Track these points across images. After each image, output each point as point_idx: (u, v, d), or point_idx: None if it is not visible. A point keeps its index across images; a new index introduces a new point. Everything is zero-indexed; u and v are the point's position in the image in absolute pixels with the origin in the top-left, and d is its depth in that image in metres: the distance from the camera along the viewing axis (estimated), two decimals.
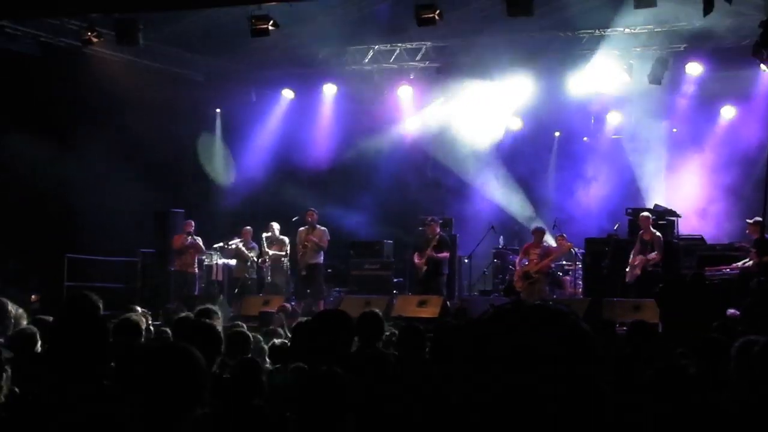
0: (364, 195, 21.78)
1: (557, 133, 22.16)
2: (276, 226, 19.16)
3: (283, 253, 18.88)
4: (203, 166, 21.57)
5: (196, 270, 19.15)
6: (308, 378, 4.99)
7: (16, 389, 5.12)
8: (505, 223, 21.40)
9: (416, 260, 18.12)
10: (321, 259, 18.78)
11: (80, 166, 19.14)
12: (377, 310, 7.61)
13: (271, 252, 19.00)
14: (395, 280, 19.68)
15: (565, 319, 1.99)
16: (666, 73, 19.19)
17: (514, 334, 1.96)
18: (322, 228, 18.72)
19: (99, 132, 19.18)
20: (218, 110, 22.63)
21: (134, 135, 19.56)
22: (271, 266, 19.08)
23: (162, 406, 3.66)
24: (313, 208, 18.83)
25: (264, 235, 19.08)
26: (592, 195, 21.11)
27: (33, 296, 16.76)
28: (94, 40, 18.26)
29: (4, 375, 4.89)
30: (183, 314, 8.54)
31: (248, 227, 19.48)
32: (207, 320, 6.90)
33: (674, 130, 21.14)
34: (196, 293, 18.82)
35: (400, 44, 20.67)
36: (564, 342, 1.96)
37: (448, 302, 16.92)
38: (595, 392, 1.95)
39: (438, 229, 18.24)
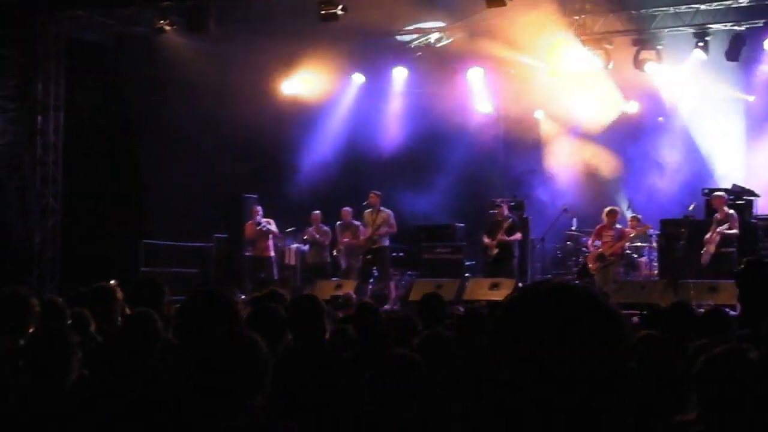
0: (436, 178, 21.69)
1: (631, 107, 21.47)
2: (348, 210, 19.12)
3: (357, 240, 18.88)
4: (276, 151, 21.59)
5: (272, 254, 19.15)
6: (383, 361, 4.98)
7: (85, 372, 5.24)
8: (578, 205, 20.81)
9: (487, 243, 18.07)
10: (387, 242, 18.70)
11: (154, 153, 19.48)
12: (438, 293, 7.58)
13: (344, 239, 19.02)
14: (467, 263, 19.44)
15: (590, 299, 1.93)
16: (743, 49, 18.98)
17: (535, 314, 1.91)
18: (387, 210, 18.64)
19: (172, 119, 19.46)
20: (288, 95, 22.47)
21: (206, 121, 19.80)
22: (346, 251, 19.08)
23: (223, 394, 3.65)
24: (376, 191, 18.71)
25: (338, 223, 19.10)
26: (668, 175, 20.75)
27: (112, 282, 17.06)
28: (167, 28, 18.55)
29: (74, 357, 4.98)
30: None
31: (317, 212, 19.54)
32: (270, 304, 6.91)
33: (751, 98, 20.67)
34: (275, 278, 18.84)
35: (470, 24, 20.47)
36: (585, 324, 1.89)
37: (520, 285, 16.45)
38: (620, 381, 1.89)
39: (507, 212, 18.22)
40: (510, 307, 1.95)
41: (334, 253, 19.15)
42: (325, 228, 19.35)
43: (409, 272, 19.99)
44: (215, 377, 3.66)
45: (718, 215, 16.65)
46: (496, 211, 18.33)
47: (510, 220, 17.99)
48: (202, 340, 3.80)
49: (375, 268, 18.53)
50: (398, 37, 21.64)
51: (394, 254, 19.40)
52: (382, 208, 18.57)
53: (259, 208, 19.06)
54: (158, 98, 19.30)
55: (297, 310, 6.19)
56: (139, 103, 19.48)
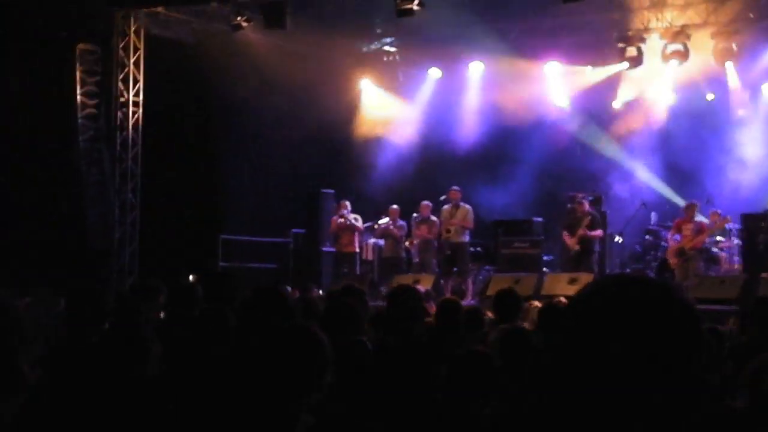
0: (512, 173, 21.48)
1: (709, 97, 21.02)
2: (426, 204, 19.04)
3: (432, 235, 18.85)
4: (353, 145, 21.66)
5: (357, 249, 19.33)
6: (458, 357, 4.97)
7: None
8: (657, 200, 20.71)
9: (567, 240, 17.88)
10: (467, 237, 18.66)
11: (231, 148, 19.65)
12: (513, 288, 7.59)
13: (420, 232, 18.95)
14: (545, 257, 19.31)
15: (663, 292, 1.91)
16: None
17: (608, 305, 1.89)
18: (467, 207, 18.56)
19: (249, 115, 19.63)
20: (365, 89, 22.65)
21: (283, 117, 19.86)
22: (420, 246, 19.03)
23: (279, 389, 3.62)
24: (456, 187, 18.64)
25: (414, 215, 19.04)
26: (750, 169, 20.17)
27: (191, 276, 17.00)
28: (244, 24, 18.59)
29: (152, 351, 4.98)
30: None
31: (395, 206, 19.46)
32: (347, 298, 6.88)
33: None
34: (358, 273, 18.99)
35: (547, 19, 20.20)
36: (657, 316, 1.88)
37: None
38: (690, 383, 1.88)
39: (587, 207, 17.95)
40: (584, 298, 1.94)
41: (407, 245, 19.16)
42: (401, 222, 19.33)
43: (487, 267, 19.95)
44: (266, 371, 3.64)
45: None
46: (575, 206, 18.12)
47: (590, 216, 17.79)
48: (255, 335, 3.92)
49: (455, 261, 18.52)
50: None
51: (472, 249, 19.34)
52: (462, 203, 18.55)
53: (347, 202, 19.16)
54: (236, 95, 19.38)
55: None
56: (217, 99, 19.58)
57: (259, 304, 4.81)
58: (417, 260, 19.07)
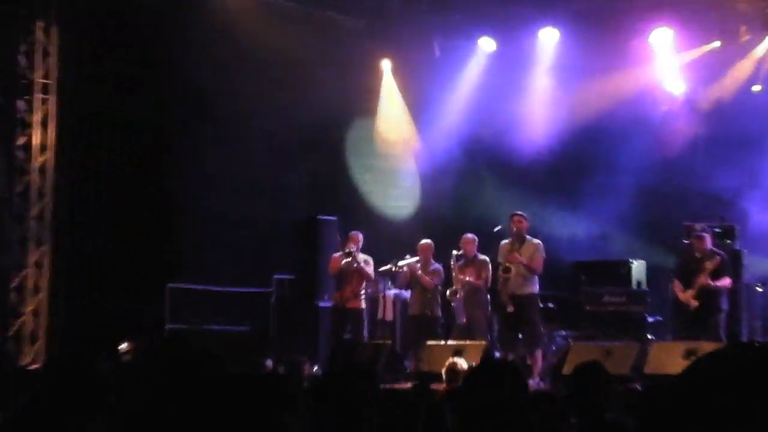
0: (598, 192, 21.59)
1: None
2: (471, 239, 19.05)
3: (483, 281, 18.89)
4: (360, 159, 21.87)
5: (363, 304, 19.49)
6: None
7: None
8: None
9: (680, 293, 17.80)
10: (535, 287, 18.49)
11: (189, 152, 20.04)
12: (600, 362, 7.78)
13: (465, 278, 18.92)
14: (650, 318, 19.36)
15: None
16: None
17: (737, 390, 2.06)
18: (536, 241, 18.47)
19: (220, 104, 20.11)
20: (386, 69, 22.82)
21: (267, 109, 20.33)
22: (466, 299, 18.95)
23: None
24: (521, 213, 18.53)
25: (454, 253, 18.97)
26: None
27: (124, 345, 17.36)
28: None
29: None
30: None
31: (428, 241, 19.40)
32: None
33: None
34: (365, 339, 19.22)
35: None
36: None
37: None
38: None
39: (711, 243, 17.92)
40: (700, 380, 2.16)
41: (449, 299, 19.06)
42: (436, 266, 19.28)
43: (563, 332, 20.00)
44: None
45: None
46: (694, 243, 18.00)
47: (716, 257, 17.70)
48: None
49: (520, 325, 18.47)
50: None
51: (541, 305, 19.25)
52: (528, 237, 18.57)
53: (359, 235, 19.42)
54: (201, 76, 19.77)
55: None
56: (171, 83, 19.91)
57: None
58: (462, 321, 18.94)
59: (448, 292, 19.06)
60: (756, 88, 21.41)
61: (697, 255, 17.83)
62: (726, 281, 17.71)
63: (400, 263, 19.59)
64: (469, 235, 19.11)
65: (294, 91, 20.19)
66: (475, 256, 19.03)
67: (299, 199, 21.12)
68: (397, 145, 22.83)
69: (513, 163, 22.31)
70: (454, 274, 19.05)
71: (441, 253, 19.41)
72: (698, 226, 18.57)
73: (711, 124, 22.06)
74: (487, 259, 18.91)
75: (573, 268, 20.39)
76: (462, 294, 18.94)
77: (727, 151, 21.56)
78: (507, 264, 18.36)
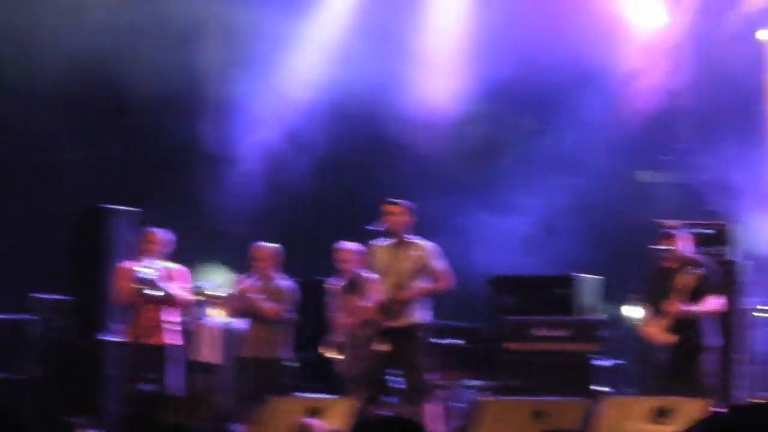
0: (530, 179, 19.75)
1: None
2: (351, 250, 16.71)
3: (367, 312, 16.32)
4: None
5: (172, 339, 16.86)
6: None
7: None
8: None
9: (648, 326, 15.43)
10: (422, 314, 15.70)
11: None
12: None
13: (351, 308, 16.74)
14: (604, 362, 17.27)
15: None
16: None
17: None
18: (425, 244, 15.74)
19: None
20: None
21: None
22: (349, 337, 16.89)
23: None
24: (398, 201, 15.82)
25: (328, 283, 17.07)
26: None
27: None
28: None
29: None
30: None
31: (269, 245, 16.79)
32: None
33: None
34: (169, 391, 16.86)
35: None
36: None
37: (716, 411, 14.52)
38: None
39: (690, 249, 15.61)
40: None
41: (325, 347, 17.07)
42: (283, 283, 16.72)
43: (473, 382, 17.74)
44: None
45: None
46: (664, 249, 15.46)
47: (698, 270, 15.28)
48: None
49: (395, 369, 16.09)
50: None
51: (438, 341, 16.99)
52: (412, 238, 15.76)
53: (159, 234, 16.82)
54: None
55: None
56: None
57: None
58: (349, 368, 16.72)
59: (323, 348, 16.99)
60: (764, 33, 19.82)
61: (672, 265, 15.37)
62: (712, 304, 15.23)
63: (228, 290, 17.62)
64: (348, 245, 16.70)
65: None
66: (358, 274, 16.54)
67: (74, 182, 19.55)
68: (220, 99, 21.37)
69: (401, 137, 20.44)
70: (332, 304, 16.86)
71: (295, 265, 17.45)
72: (672, 224, 16.08)
73: (702, 80, 20.02)
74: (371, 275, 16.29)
75: (490, 287, 18.07)
76: (344, 330, 16.71)
77: (727, 117, 19.79)
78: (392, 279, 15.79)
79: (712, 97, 20.01)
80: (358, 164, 20.59)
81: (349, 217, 18.03)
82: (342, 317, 16.77)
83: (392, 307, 15.61)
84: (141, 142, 20.63)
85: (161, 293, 16.65)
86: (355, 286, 16.66)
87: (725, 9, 19.95)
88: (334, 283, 16.92)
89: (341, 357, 16.88)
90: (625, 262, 18.42)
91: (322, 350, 17.10)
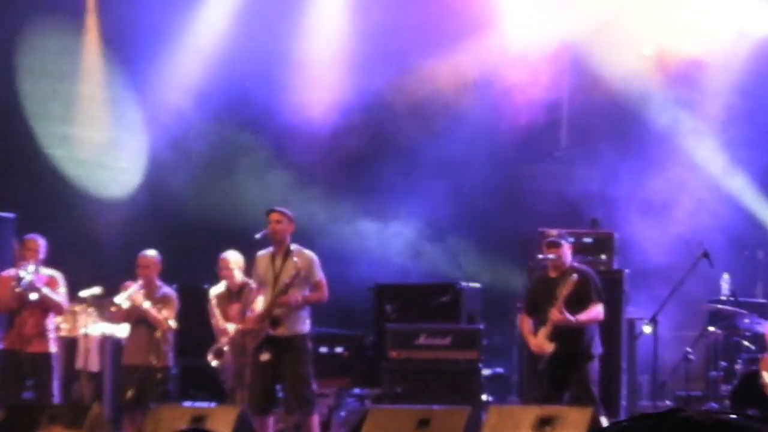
0: (412, 187, 20.20)
1: None
2: (231, 260, 16.93)
3: (250, 323, 16.62)
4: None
5: (52, 347, 17.08)
6: None
7: None
8: (719, 247, 18.06)
9: (526, 332, 15.90)
10: (305, 324, 16.08)
11: None
12: None
13: (228, 322, 17.01)
14: (487, 371, 17.91)
15: None
16: None
17: None
18: (307, 253, 16.11)
19: None
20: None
21: None
22: (232, 348, 17.23)
23: None
24: (281, 209, 16.19)
25: (211, 292, 17.04)
26: None
27: None
28: None
29: None
30: None
31: (151, 253, 17.08)
32: None
33: None
34: (53, 399, 17.01)
35: None
36: None
37: (604, 419, 15.34)
38: None
39: (570, 257, 15.98)
40: None
41: (211, 354, 17.08)
42: (166, 290, 17.03)
43: (356, 390, 18.36)
44: None
45: None
46: (548, 257, 15.91)
47: (578, 276, 15.55)
48: None
49: (279, 379, 16.37)
50: None
51: (323, 350, 18.04)
52: (294, 247, 16.16)
53: (39, 240, 17.00)
54: None
55: None
56: None
57: None
58: (230, 381, 17.17)
59: (209, 356, 17.06)
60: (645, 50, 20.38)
61: (551, 275, 15.95)
62: (594, 312, 15.71)
63: (117, 298, 17.01)
64: (230, 255, 16.94)
65: None
66: (238, 282, 17.01)
67: None
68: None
69: (285, 143, 20.88)
70: (213, 314, 16.97)
71: (176, 272, 18.05)
72: (555, 231, 16.58)
73: (587, 86, 20.46)
74: (253, 284, 16.61)
75: (372, 295, 18.55)
76: (227, 340, 17.03)
77: (606, 127, 20.44)
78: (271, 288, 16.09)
79: (591, 107, 20.39)
80: (239, 171, 20.64)
81: (231, 225, 18.29)
82: (224, 325, 16.89)
83: (274, 316, 15.87)
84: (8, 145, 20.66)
85: (42, 295, 16.59)
86: (235, 293, 16.97)
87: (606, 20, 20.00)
88: (215, 291, 17.01)
89: (224, 364, 17.07)
90: (509, 270, 18.96)
91: (209, 358, 17.10)
